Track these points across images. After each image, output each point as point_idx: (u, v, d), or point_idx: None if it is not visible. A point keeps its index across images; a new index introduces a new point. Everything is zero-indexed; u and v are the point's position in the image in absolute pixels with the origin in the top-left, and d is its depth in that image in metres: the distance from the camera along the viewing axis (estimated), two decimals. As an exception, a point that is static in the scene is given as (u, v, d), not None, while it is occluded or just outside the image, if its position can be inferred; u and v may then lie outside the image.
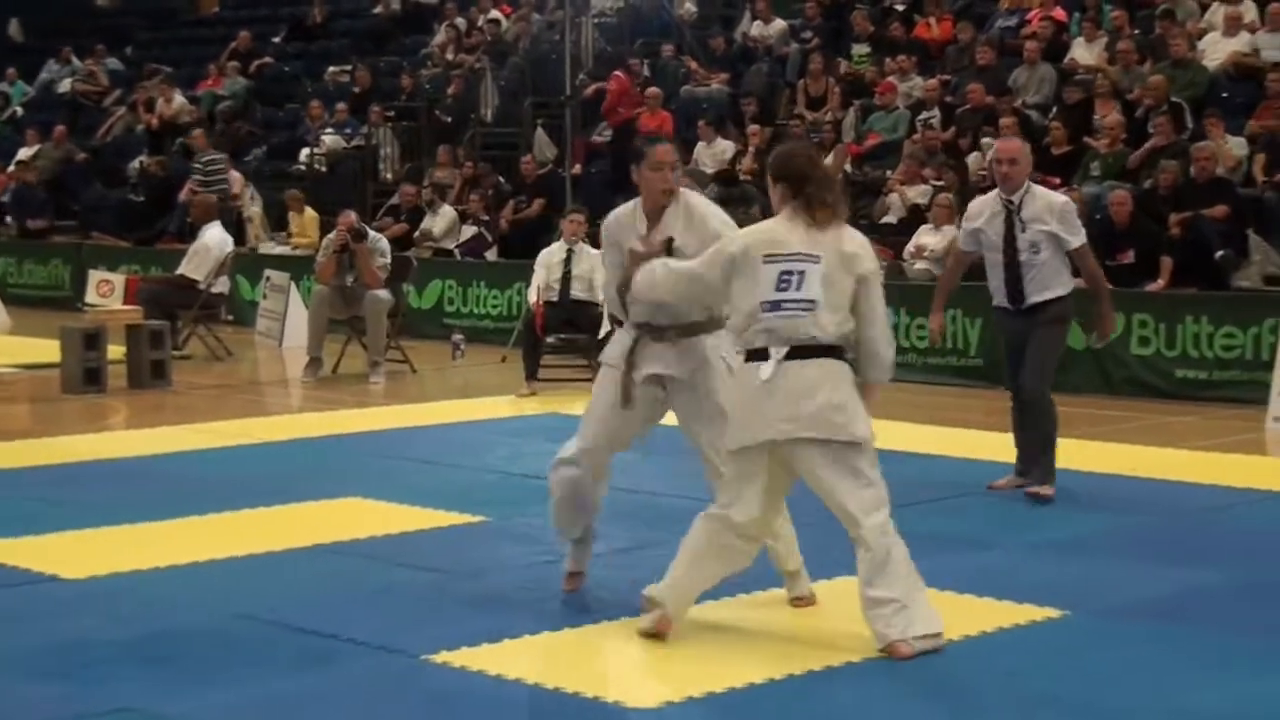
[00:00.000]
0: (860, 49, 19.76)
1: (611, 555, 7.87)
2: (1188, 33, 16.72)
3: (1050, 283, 9.05)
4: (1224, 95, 15.98)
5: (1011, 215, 9.03)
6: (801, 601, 6.96)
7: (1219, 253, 13.92)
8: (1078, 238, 9.06)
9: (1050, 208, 9.06)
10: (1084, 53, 17.55)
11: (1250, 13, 16.79)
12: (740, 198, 17.28)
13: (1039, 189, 9.32)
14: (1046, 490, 9.08)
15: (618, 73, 20.36)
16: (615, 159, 19.58)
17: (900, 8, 20.33)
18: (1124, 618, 6.78)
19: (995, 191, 9.25)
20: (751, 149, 18.24)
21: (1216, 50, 16.58)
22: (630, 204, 7.01)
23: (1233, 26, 16.63)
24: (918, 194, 16.29)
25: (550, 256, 13.94)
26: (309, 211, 19.94)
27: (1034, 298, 9.06)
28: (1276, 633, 6.52)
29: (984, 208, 9.26)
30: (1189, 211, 14.14)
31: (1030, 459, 9.26)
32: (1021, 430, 9.34)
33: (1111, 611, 6.87)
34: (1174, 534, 8.45)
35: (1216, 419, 12.09)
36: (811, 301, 6.24)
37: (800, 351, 6.23)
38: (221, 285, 16.81)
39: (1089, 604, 6.93)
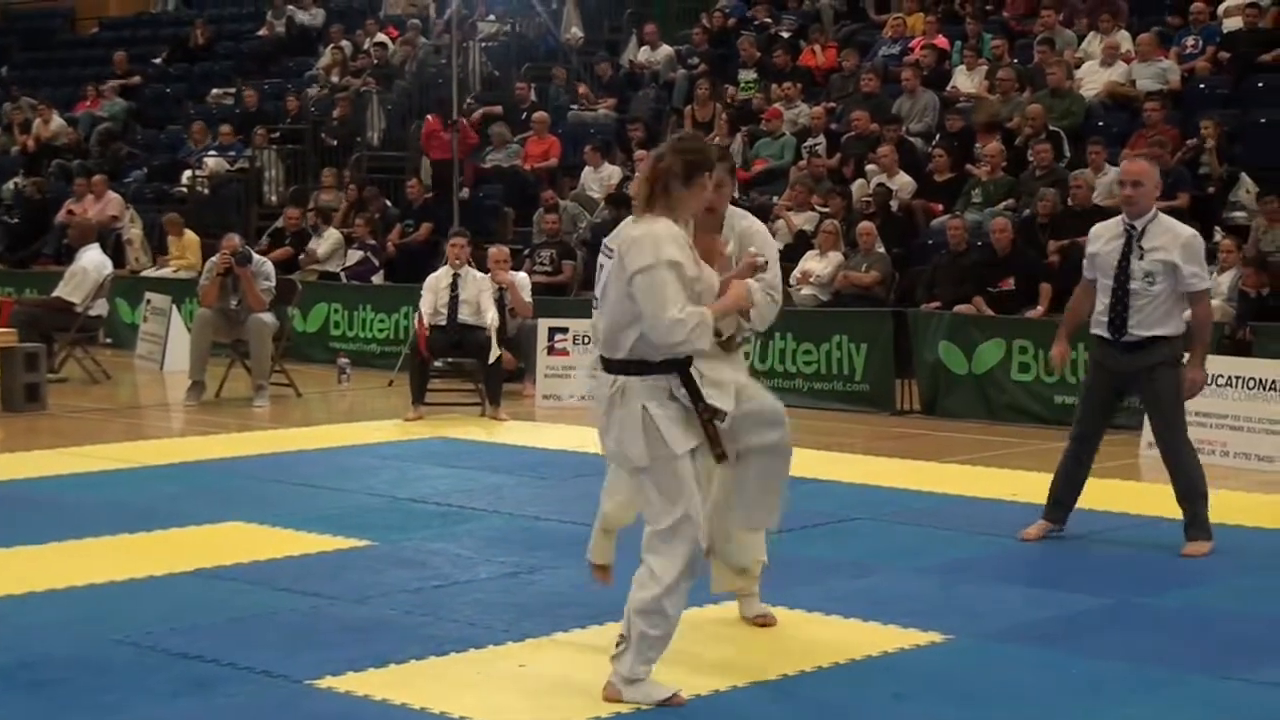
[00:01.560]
0: (747, 75, 19.87)
1: (495, 580, 7.86)
2: (1065, 62, 16.97)
3: (1159, 320, 8.43)
4: (1100, 124, 16.23)
5: (1131, 240, 8.50)
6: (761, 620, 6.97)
7: (1095, 280, 14.10)
8: (1202, 278, 8.58)
9: (1176, 239, 8.50)
10: (965, 81, 17.78)
11: (1126, 43, 17.08)
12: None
13: (1167, 218, 8.79)
14: (1201, 548, 8.48)
15: (430, 115, 20.28)
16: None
17: (786, 35, 20.49)
18: (1005, 642, 6.84)
19: (1120, 216, 8.75)
20: (638, 174, 18.30)
21: (1094, 80, 16.84)
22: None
23: (1109, 56, 16.90)
24: (804, 220, 16.39)
25: (437, 281, 13.88)
26: (189, 234, 19.76)
27: (1137, 332, 8.46)
28: (1144, 658, 6.59)
29: (1104, 231, 8.74)
30: (1067, 239, 14.35)
31: (1191, 519, 8.64)
32: (1071, 475, 8.86)
33: (993, 635, 6.92)
34: (1053, 558, 8.53)
35: (1095, 444, 12.23)
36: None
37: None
38: (99, 308, 16.64)
39: (972, 628, 6.98)
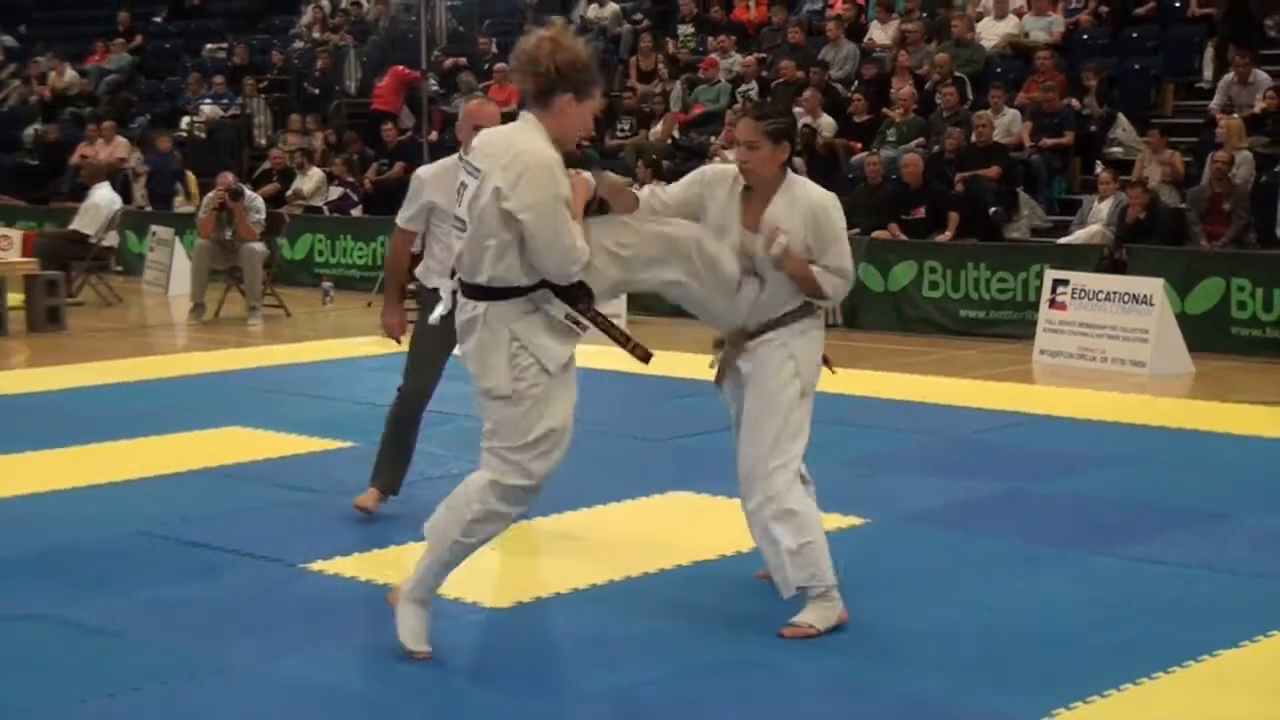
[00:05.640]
0: (686, 29, 19.78)
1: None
2: (967, 16, 17.02)
3: None
4: (998, 71, 16.26)
5: None
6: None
7: (992, 209, 14.21)
8: None
9: None
10: (880, 33, 17.77)
11: (1018, -1, 17.14)
12: (581, 160, 17.27)
13: None
14: None
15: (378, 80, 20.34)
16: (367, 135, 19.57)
17: (721, -8, 20.38)
18: (915, 524, 6.92)
19: None
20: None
21: (991, 32, 16.88)
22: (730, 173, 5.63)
23: (1001, 10, 16.95)
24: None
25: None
26: (188, 174, 19.68)
27: None
28: (1032, 537, 6.70)
29: None
30: (969, 172, 14.42)
31: None
32: None
33: (905, 519, 7.01)
34: (956, 451, 8.63)
35: (993, 353, 12.35)
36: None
37: None
38: (111, 239, 16.67)
39: (886, 513, 7.06)
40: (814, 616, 5.40)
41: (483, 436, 5.09)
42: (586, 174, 5.22)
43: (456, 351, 5.35)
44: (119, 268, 17.94)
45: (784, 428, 5.40)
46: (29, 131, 23.14)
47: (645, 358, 5.22)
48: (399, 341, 6.85)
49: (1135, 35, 16.35)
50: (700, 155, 17.11)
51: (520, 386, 4.98)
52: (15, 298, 14.15)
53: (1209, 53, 15.68)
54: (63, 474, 7.93)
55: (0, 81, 25.63)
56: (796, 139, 5.70)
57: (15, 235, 18.97)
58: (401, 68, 20.08)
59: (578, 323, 5.04)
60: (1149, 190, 13.34)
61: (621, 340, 5.21)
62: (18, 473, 8.03)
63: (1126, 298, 11.69)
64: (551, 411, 5.02)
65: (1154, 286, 11.63)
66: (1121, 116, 15.13)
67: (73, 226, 16.60)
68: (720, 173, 5.65)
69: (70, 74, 24.23)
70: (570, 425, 5.10)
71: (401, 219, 6.77)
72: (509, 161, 4.90)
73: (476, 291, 5.01)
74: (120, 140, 21.13)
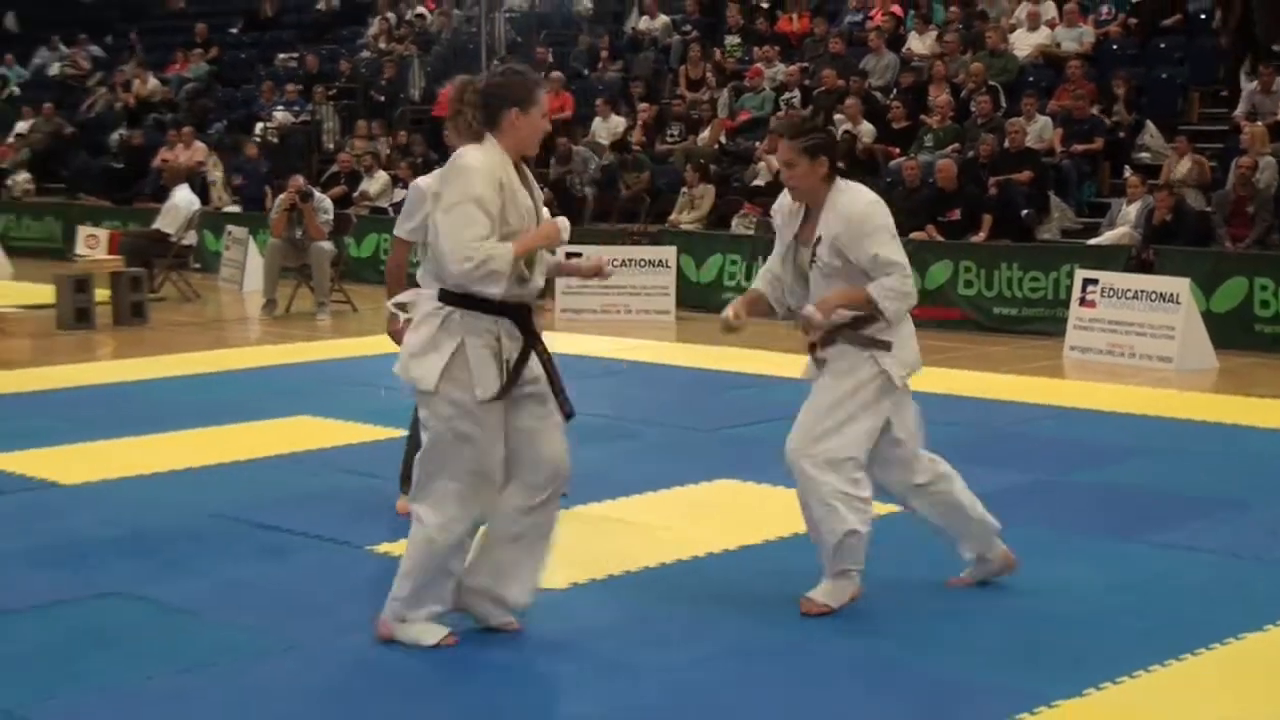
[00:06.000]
0: (732, 40, 19.72)
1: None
2: (1001, 28, 16.91)
3: None
4: (1031, 79, 16.15)
5: None
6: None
7: (1025, 211, 14.10)
8: None
9: None
10: (918, 44, 17.67)
11: (1050, 11, 16.98)
12: (634, 164, 17.27)
13: None
14: None
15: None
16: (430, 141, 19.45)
17: (766, 5, 20.28)
18: (950, 510, 6.85)
19: None
20: (640, 124, 18.23)
21: (1024, 43, 16.76)
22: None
23: (1033, 22, 16.82)
24: (780, 162, 16.27)
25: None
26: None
27: None
28: (1064, 526, 6.65)
29: None
30: (1003, 176, 14.32)
31: None
32: None
33: (940, 505, 6.94)
34: (991, 443, 8.56)
35: (1025, 349, 12.25)
36: None
37: None
38: (190, 238, 16.75)
39: (921, 499, 6.99)
40: (827, 594, 5.45)
41: (417, 462, 5.10)
42: (563, 221, 5.17)
43: None
44: (197, 265, 18.04)
45: (837, 416, 5.45)
46: (114, 136, 23.33)
47: (567, 415, 5.18)
48: None
49: (1163, 46, 16.21)
50: (745, 160, 17.09)
51: (445, 392, 4.95)
52: (102, 293, 14.26)
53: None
54: (144, 460, 7.97)
55: (87, 89, 25.87)
56: (836, 151, 5.64)
57: (102, 234, 19.16)
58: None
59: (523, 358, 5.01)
60: (1175, 193, 13.21)
61: (557, 392, 5.16)
62: (102, 458, 8.08)
63: (1154, 296, 11.58)
64: (474, 450, 4.99)
65: (1180, 286, 11.52)
66: (1149, 123, 14.99)
67: (155, 226, 16.72)
68: (782, 201, 5.72)
69: (153, 82, 24.42)
70: (493, 475, 5.06)
71: (403, 230, 6.70)
72: (446, 170, 5.00)
73: (444, 295, 5.02)
74: (199, 145, 21.25)
